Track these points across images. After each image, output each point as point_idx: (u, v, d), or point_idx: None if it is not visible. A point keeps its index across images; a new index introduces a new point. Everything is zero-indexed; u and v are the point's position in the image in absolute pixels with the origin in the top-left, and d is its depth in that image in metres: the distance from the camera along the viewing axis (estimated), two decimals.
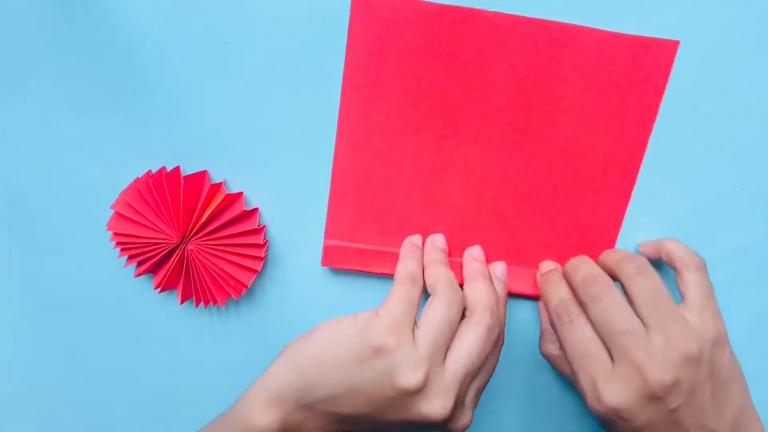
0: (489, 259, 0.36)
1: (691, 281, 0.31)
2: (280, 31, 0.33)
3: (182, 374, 0.40)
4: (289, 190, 0.36)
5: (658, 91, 0.32)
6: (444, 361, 0.30)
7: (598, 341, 0.30)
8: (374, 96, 0.33)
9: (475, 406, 0.31)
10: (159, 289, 0.36)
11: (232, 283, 0.35)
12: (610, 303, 0.30)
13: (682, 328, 0.29)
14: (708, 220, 0.34)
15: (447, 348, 0.30)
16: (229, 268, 0.35)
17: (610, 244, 0.35)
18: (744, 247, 0.34)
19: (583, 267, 0.32)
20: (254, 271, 0.35)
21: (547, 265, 0.35)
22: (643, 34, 0.31)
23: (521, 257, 0.36)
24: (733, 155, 0.33)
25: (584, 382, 0.30)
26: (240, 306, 0.38)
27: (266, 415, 0.30)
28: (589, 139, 0.33)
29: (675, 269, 0.32)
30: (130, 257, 0.36)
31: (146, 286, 0.39)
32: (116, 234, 0.35)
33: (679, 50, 0.31)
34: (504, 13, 0.31)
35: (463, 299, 0.32)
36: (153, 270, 0.37)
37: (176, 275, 0.36)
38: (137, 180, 0.36)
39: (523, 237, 0.35)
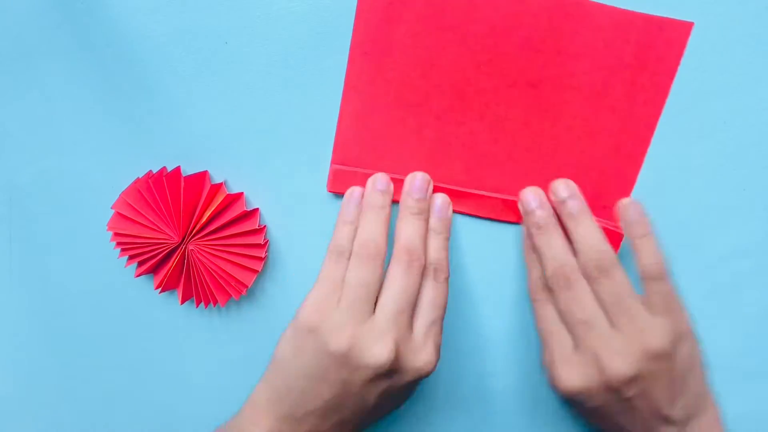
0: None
1: (654, 288, 0.31)
2: (280, 31, 0.33)
3: (182, 374, 0.40)
4: (289, 190, 0.36)
5: (670, 73, 0.32)
6: (373, 314, 0.30)
7: (562, 323, 0.32)
8: (381, 64, 0.32)
9: (436, 342, 0.31)
10: (159, 289, 0.36)
11: (232, 283, 0.35)
12: (575, 293, 0.31)
13: (644, 322, 0.30)
14: (708, 220, 0.34)
15: (374, 304, 0.30)
16: (229, 269, 0.35)
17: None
18: (744, 247, 0.34)
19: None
20: (255, 271, 0.35)
21: (534, 207, 0.33)
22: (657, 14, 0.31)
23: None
24: (734, 155, 0.33)
25: (545, 360, 0.32)
26: (240, 306, 0.38)
27: (256, 430, 0.31)
28: (598, 118, 0.33)
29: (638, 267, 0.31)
30: (131, 257, 0.36)
31: (146, 286, 0.39)
32: (116, 234, 0.35)
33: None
34: None
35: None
36: (153, 270, 0.37)
37: (177, 275, 0.36)
38: (137, 180, 0.36)
39: None
